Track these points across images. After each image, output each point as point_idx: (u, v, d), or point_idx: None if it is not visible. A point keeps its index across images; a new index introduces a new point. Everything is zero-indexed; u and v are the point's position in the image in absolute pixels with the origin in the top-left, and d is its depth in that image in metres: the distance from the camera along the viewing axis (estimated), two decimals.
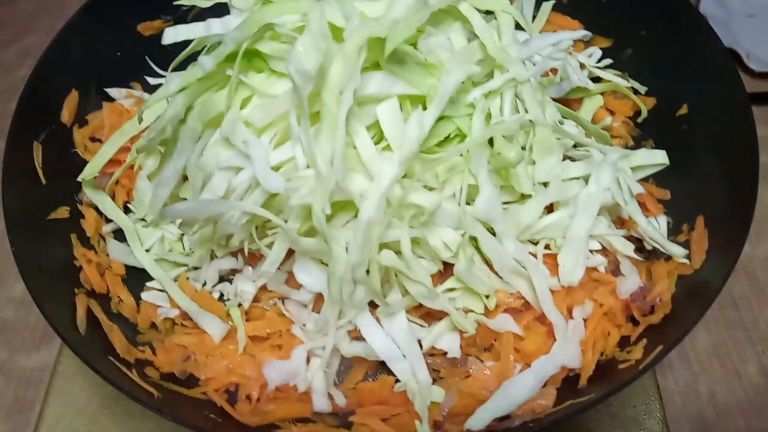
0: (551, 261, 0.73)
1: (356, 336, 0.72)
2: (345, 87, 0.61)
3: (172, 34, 0.72)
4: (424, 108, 0.67)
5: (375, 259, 0.65)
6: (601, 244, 0.75)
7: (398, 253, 0.67)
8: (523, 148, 0.70)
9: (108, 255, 0.79)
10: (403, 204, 0.65)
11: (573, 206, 0.72)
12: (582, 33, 0.79)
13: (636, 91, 0.86)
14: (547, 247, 0.73)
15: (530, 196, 0.71)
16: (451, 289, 0.72)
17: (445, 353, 0.72)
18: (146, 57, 0.90)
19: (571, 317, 0.72)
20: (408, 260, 0.67)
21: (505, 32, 0.70)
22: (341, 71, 0.61)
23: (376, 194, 0.64)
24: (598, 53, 0.91)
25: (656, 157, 0.79)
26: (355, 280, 0.66)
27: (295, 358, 0.72)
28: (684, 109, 0.81)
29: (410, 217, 0.66)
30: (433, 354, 0.73)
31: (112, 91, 0.87)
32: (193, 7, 0.91)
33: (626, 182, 0.74)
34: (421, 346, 0.71)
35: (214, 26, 0.71)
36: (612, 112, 0.88)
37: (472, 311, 0.71)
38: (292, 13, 0.66)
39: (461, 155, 0.67)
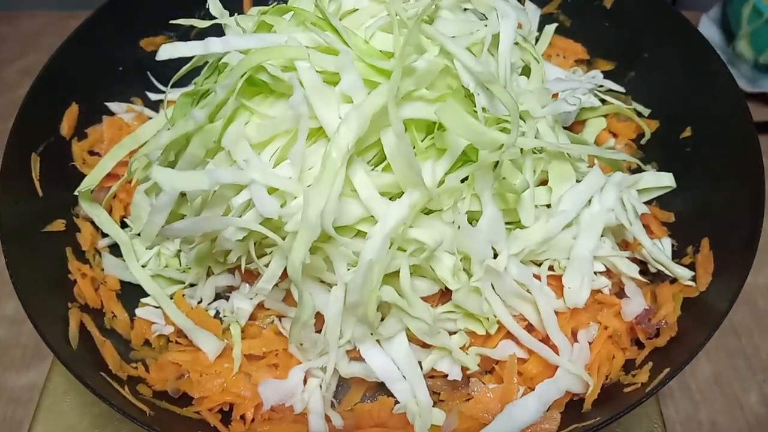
0: (555, 282, 0.71)
1: (355, 356, 0.71)
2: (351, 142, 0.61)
3: (168, 51, 0.70)
4: (429, 131, 0.67)
5: (375, 294, 0.63)
6: (605, 266, 0.74)
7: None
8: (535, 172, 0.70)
9: (103, 270, 0.77)
10: (405, 239, 0.64)
11: (576, 226, 0.72)
12: (600, 78, 0.84)
13: (639, 114, 0.86)
14: (550, 268, 0.72)
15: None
16: (450, 311, 0.70)
17: (446, 375, 0.70)
18: (148, 73, 0.90)
19: (576, 340, 0.70)
20: (408, 297, 0.65)
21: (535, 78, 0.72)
22: (354, 132, 0.60)
23: (379, 235, 0.63)
24: (600, 76, 0.91)
25: (662, 180, 0.79)
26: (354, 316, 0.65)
27: (291, 377, 0.70)
28: (688, 132, 0.81)
29: (411, 252, 0.65)
30: (433, 376, 0.71)
31: (113, 105, 0.87)
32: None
33: (630, 203, 0.73)
34: (421, 367, 0.70)
35: (213, 45, 0.69)
36: (615, 135, 0.88)
37: (473, 344, 0.70)
38: (280, 59, 0.65)
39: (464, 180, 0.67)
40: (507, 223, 0.70)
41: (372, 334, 0.68)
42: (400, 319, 0.68)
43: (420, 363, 0.70)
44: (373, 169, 0.67)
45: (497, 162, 0.65)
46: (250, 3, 0.95)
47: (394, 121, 0.60)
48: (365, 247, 0.63)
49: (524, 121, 0.70)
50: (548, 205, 0.73)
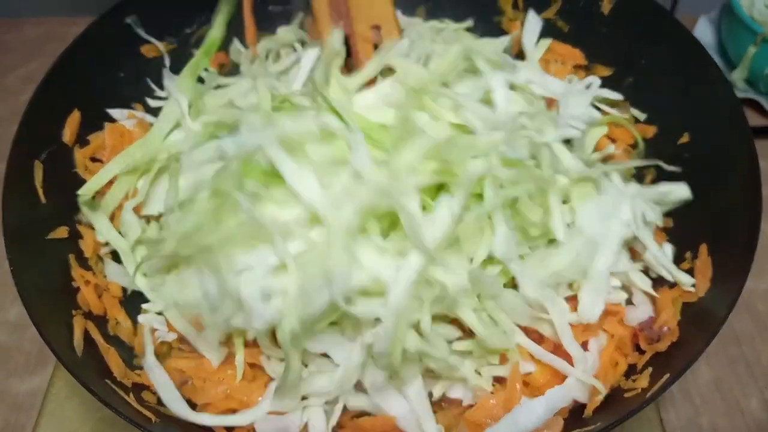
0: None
1: (360, 387, 0.69)
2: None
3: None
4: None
5: (401, 345, 0.63)
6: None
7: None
8: None
9: (106, 276, 0.77)
10: (426, 278, 0.64)
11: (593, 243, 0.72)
12: (597, 86, 0.87)
13: (637, 120, 0.87)
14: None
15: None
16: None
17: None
18: (147, 79, 0.90)
19: (587, 350, 0.70)
20: (429, 339, 0.65)
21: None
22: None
23: (403, 284, 0.61)
24: (597, 82, 0.91)
25: (679, 191, 0.78)
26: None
27: (289, 417, 0.68)
28: (685, 138, 0.81)
29: (432, 299, 0.64)
30: None
31: (114, 112, 0.87)
32: (196, 31, 0.93)
33: (642, 213, 0.74)
34: (431, 395, 0.69)
35: (227, 146, 0.70)
36: (614, 140, 0.88)
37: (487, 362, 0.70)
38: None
39: None
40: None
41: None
42: (419, 366, 0.67)
43: (431, 392, 0.69)
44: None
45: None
46: (254, 33, 0.95)
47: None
48: (389, 297, 0.62)
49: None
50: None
